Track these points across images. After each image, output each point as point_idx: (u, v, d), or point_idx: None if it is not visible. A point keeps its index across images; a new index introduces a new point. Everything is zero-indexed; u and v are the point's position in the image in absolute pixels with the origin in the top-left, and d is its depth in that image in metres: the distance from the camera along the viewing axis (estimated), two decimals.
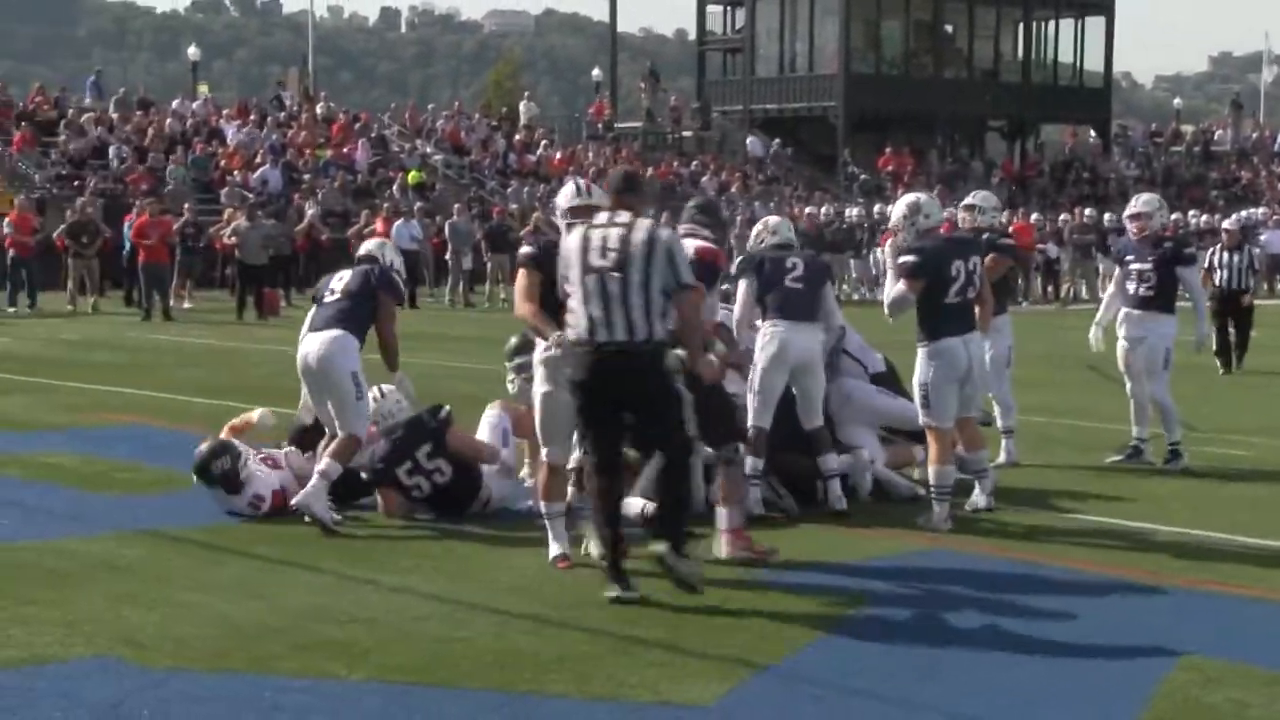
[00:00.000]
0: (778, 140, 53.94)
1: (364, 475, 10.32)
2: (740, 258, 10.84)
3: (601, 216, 8.36)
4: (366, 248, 10.70)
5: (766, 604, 8.14)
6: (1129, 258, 12.71)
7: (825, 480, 10.43)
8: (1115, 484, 11.82)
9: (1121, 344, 12.71)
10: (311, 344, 10.00)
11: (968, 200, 12.65)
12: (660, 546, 8.11)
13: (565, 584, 8.31)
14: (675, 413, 8.22)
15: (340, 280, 10.24)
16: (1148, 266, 12.50)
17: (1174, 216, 39.54)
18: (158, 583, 8.37)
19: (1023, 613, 8.06)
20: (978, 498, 10.51)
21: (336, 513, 9.97)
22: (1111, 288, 13.20)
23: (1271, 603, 8.28)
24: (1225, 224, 21.58)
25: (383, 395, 10.68)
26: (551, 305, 8.55)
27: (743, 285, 10.44)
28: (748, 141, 53.70)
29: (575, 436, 8.67)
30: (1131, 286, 12.62)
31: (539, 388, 8.76)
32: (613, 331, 8.08)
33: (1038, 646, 7.42)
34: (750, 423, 10.20)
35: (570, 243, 8.30)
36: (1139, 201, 12.99)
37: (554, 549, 8.87)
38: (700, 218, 9.79)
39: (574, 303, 8.21)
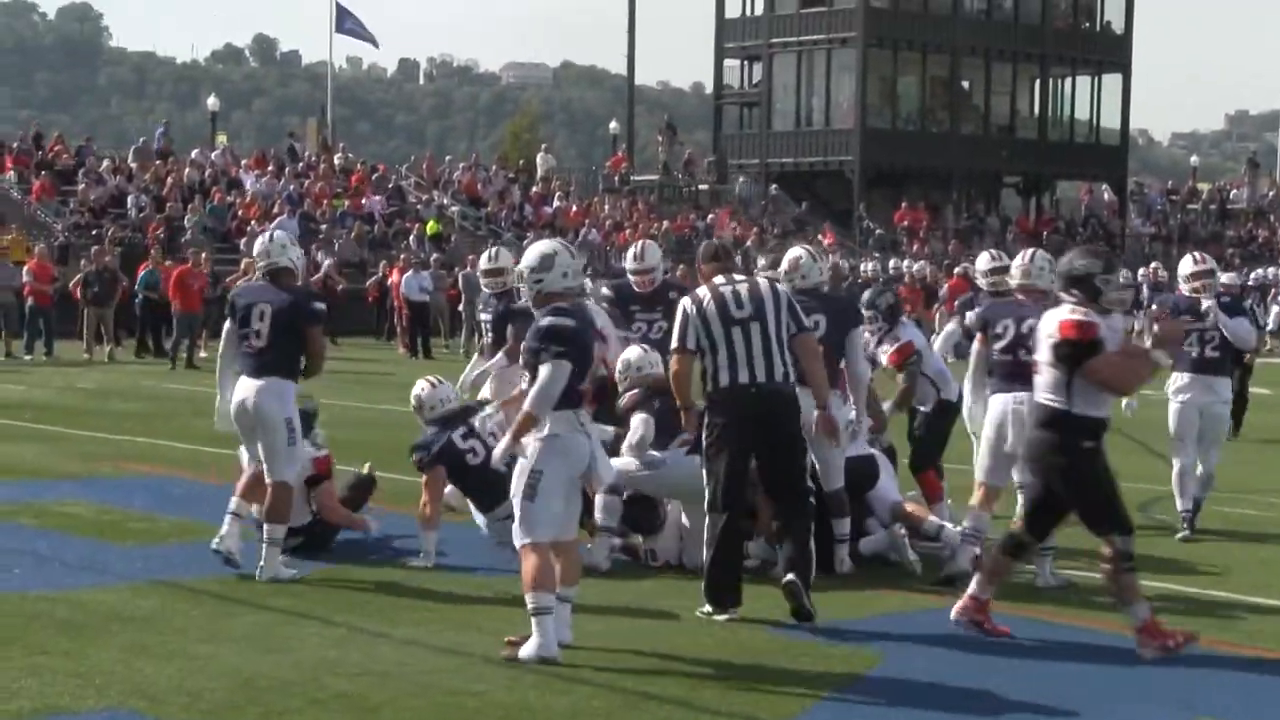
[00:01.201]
0: (775, 185, 54.14)
1: (413, 459, 10.75)
2: None
3: (720, 278, 9.15)
4: (272, 261, 10.07)
5: (778, 661, 8.11)
6: (1185, 318, 12.01)
7: (835, 543, 10.27)
8: (1141, 543, 11.74)
9: (1178, 407, 12.16)
10: (248, 390, 9.87)
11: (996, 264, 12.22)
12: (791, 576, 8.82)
13: (577, 637, 8.27)
14: (800, 460, 9.13)
15: (263, 319, 9.86)
16: (1211, 325, 12.03)
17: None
18: (172, 634, 8.36)
19: (1035, 672, 8.03)
20: (1038, 574, 10.30)
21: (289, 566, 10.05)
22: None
23: None
24: (1223, 279, 20.70)
25: (438, 384, 11.15)
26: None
27: None
28: (739, 181, 53.85)
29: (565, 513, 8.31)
30: (1194, 349, 12.03)
31: (551, 468, 8.08)
32: (759, 374, 8.90)
33: (1050, 707, 7.39)
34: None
35: (704, 302, 9.02)
36: (1204, 259, 12.46)
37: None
38: (1074, 293, 8.54)
39: (719, 357, 8.93)
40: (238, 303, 10.11)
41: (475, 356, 13.36)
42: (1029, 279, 10.43)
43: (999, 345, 10.23)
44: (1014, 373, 10.02)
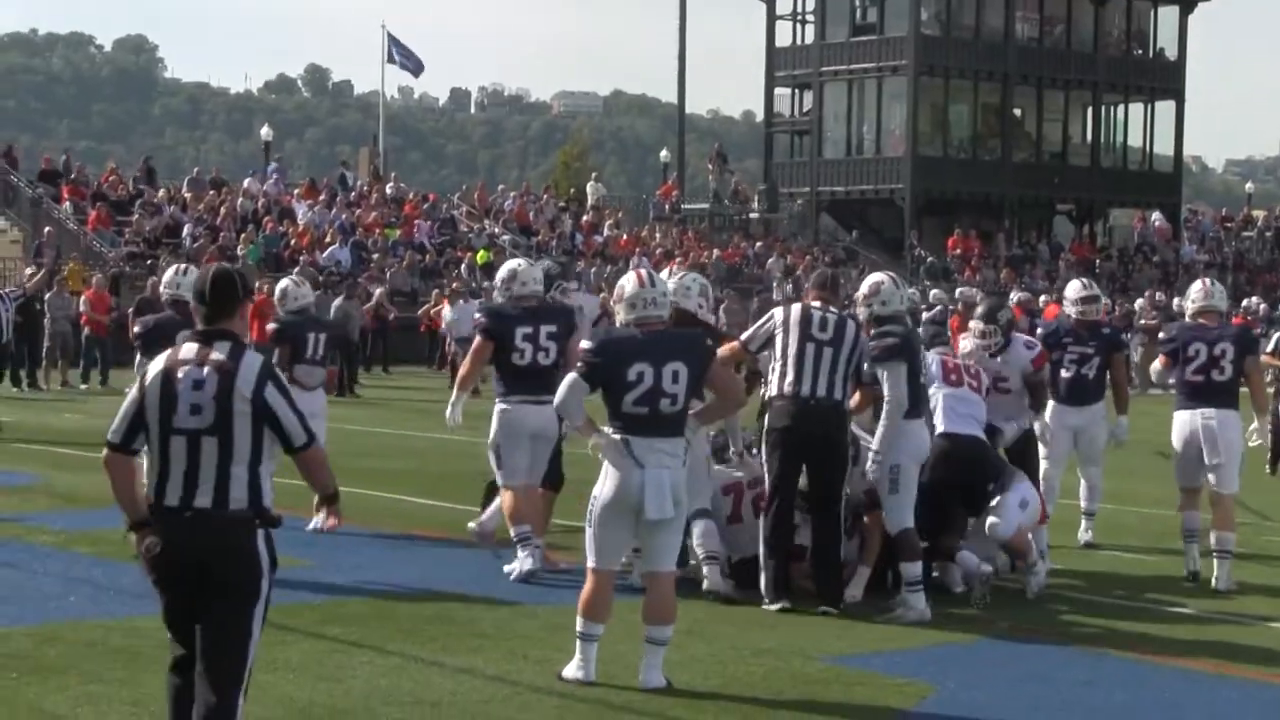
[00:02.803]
0: (800, 201, 54.19)
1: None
2: (894, 338, 10.04)
3: (817, 303, 10.05)
4: (180, 293, 11.55)
5: (831, 691, 8.10)
6: None
7: (905, 589, 9.99)
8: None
9: None
10: None
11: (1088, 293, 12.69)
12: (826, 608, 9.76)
13: (629, 667, 8.26)
14: (839, 474, 9.89)
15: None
16: None
17: (1245, 303, 39.20)
18: None
19: (1091, 705, 8.00)
20: (1218, 578, 11.07)
21: None
22: None
23: None
24: None
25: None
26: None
27: (898, 372, 9.89)
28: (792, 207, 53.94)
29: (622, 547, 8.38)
30: None
31: (601, 495, 8.13)
32: (820, 390, 9.74)
33: None
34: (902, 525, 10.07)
35: (793, 314, 9.96)
36: None
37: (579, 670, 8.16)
38: None
39: (787, 364, 9.80)
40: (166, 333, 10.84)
41: None
42: (1210, 301, 11.49)
43: (1192, 366, 11.16)
44: (1205, 390, 11.12)
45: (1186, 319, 11.87)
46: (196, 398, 5.86)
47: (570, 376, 8.25)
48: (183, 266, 12.16)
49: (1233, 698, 8.20)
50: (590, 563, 8.16)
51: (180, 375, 5.91)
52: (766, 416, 10.04)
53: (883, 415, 9.88)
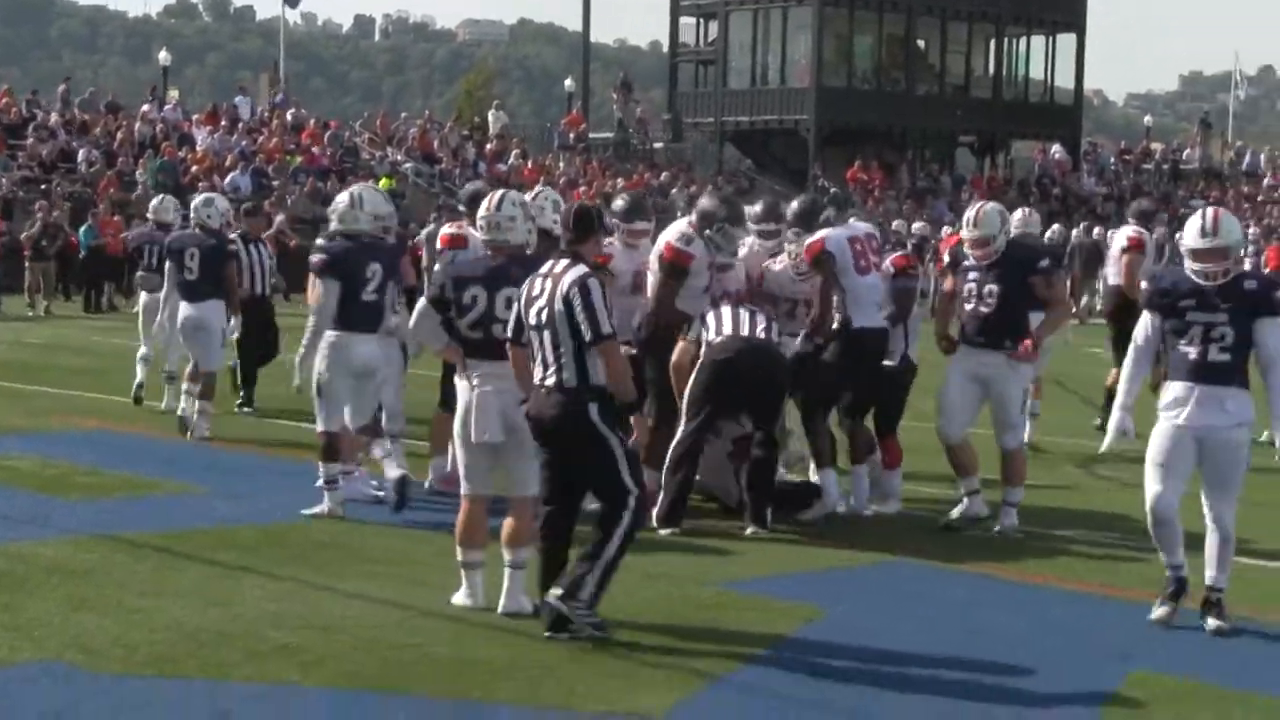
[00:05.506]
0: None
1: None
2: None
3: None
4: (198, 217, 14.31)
5: (724, 615, 8.16)
6: (1186, 303, 8.10)
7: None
8: (1082, 498, 11.85)
9: (1172, 434, 8.12)
10: (196, 309, 13.82)
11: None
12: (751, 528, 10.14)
13: (529, 589, 8.26)
14: (781, 407, 10.42)
15: (194, 259, 13.83)
16: (1221, 319, 8.02)
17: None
18: (113, 588, 8.34)
19: (976, 626, 8.11)
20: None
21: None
22: (1135, 354, 8.38)
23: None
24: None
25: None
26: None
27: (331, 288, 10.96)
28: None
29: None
30: (1192, 350, 8.06)
31: (458, 425, 8.22)
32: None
33: (988, 661, 7.46)
34: None
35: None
36: (1210, 221, 8.14)
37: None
38: None
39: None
40: (173, 247, 14.14)
41: None
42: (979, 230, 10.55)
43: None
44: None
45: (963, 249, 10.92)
46: (540, 302, 7.58)
47: (421, 302, 8.55)
48: (209, 196, 15.30)
49: (1114, 617, 8.34)
50: (461, 489, 8.24)
51: (536, 284, 7.64)
52: (703, 352, 10.27)
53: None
